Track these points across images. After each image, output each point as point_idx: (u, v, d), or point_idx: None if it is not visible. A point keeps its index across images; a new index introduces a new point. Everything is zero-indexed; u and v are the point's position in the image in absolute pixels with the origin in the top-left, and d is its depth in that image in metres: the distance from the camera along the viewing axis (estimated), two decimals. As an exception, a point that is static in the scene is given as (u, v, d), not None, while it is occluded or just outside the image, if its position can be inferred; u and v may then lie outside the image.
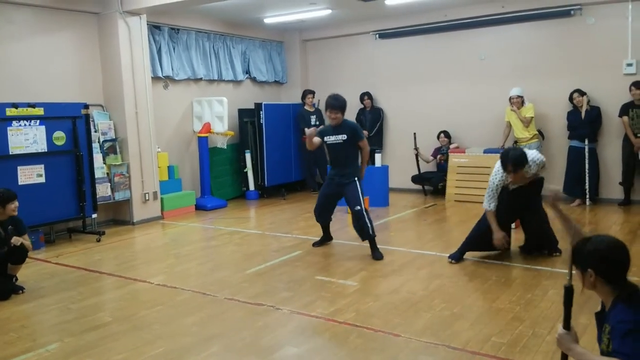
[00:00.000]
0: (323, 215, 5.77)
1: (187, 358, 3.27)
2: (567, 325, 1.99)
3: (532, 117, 7.72)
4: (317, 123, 9.27)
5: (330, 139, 5.50)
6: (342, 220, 7.10)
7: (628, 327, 1.91)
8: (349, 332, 3.57)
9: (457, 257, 5.08)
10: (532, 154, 4.87)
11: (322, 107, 9.35)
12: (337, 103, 5.42)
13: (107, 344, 3.49)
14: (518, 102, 7.78)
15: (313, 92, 9.39)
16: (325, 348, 3.38)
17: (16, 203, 4.59)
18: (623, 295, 2.00)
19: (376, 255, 5.28)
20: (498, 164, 4.85)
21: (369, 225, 5.32)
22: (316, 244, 5.81)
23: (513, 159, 4.67)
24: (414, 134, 8.73)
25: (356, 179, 5.46)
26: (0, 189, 4.63)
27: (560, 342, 2.00)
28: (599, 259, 2.02)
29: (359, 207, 5.36)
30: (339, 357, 3.24)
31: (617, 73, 7.46)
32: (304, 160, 9.54)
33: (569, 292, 1.97)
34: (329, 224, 5.88)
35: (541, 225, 5.12)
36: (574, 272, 2.11)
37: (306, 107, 9.32)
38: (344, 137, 5.43)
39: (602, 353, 2.01)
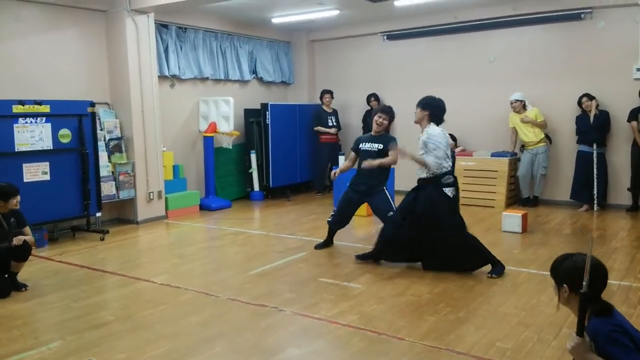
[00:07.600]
0: (341, 223, 5.75)
1: (189, 358, 3.24)
2: (580, 332, 1.95)
3: (544, 119, 7.70)
4: (335, 124, 9.25)
5: (366, 145, 5.51)
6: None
7: (616, 336, 1.93)
8: (352, 334, 3.54)
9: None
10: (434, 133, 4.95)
11: (338, 107, 9.45)
12: (388, 109, 5.59)
13: (109, 343, 3.47)
14: (517, 106, 7.76)
15: (331, 92, 9.36)
16: (328, 350, 3.35)
17: (18, 197, 4.60)
18: (596, 310, 2.02)
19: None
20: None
21: None
22: (319, 247, 5.79)
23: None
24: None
25: (385, 188, 5.50)
26: (4, 183, 4.65)
27: (576, 350, 1.95)
28: (576, 277, 2.03)
29: (392, 213, 5.34)
30: (341, 359, 3.21)
31: (626, 78, 7.39)
32: (316, 159, 9.49)
33: (585, 298, 1.93)
34: (337, 230, 5.85)
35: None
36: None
37: (324, 107, 9.32)
38: (380, 146, 5.43)
39: None
